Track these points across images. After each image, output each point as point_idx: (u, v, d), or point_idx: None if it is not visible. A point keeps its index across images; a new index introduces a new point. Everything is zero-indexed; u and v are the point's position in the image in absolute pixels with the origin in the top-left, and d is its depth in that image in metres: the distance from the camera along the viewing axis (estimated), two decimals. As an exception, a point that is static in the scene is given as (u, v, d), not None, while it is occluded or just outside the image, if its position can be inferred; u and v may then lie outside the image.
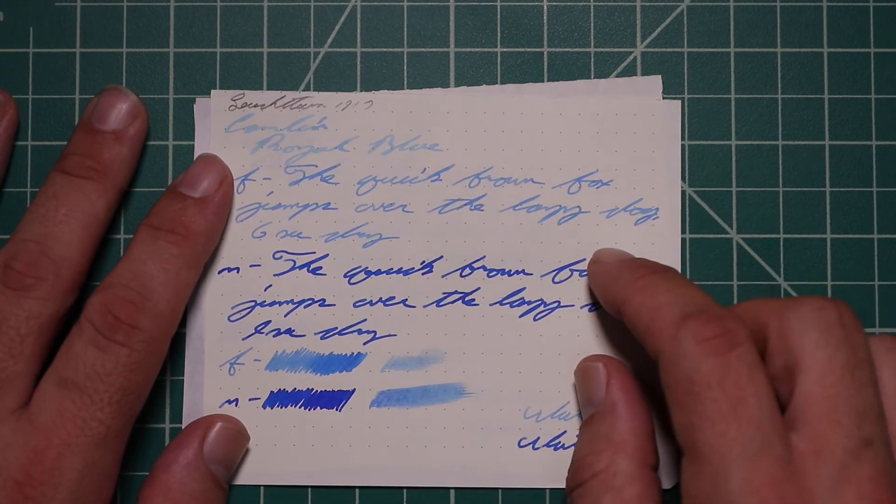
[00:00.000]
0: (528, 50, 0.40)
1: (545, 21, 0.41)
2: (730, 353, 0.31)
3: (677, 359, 0.31)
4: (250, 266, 0.39)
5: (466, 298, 0.39)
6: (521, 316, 0.39)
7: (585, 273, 0.39)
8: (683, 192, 0.40)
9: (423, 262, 0.39)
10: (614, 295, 0.35)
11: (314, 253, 0.39)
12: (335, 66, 0.40)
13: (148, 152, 0.40)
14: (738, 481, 0.29)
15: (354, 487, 0.39)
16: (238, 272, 0.39)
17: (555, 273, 0.39)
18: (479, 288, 0.39)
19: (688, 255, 0.40)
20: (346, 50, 0.40)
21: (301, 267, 0.39)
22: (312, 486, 0.39)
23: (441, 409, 0.39)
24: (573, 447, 0.39)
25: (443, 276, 0.39)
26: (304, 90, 0.40)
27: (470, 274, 0.39)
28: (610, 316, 0.39)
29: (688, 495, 0.31)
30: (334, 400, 0.39)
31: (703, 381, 0.30)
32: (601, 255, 0.38)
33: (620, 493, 0.34)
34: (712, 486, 0.30)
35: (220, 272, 0.39)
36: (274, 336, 0.39)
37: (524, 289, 0.39)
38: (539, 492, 0.39)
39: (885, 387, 0.32)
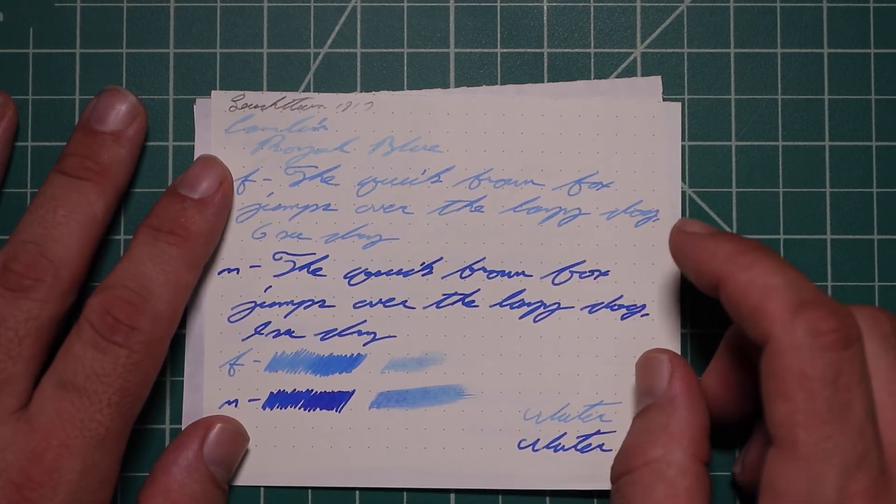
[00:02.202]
0: (529, 50, 0.40)
1: (545, 22, 0.41)
2: (844, 350, 0.30)
3: (790, 349, 0.30)
4: (250, 267, 0.39)
5: (466, 300, 0.39)
6: (520, 317, 0.39)
7: (585, 275, 0.39)
8: (683, 193, 0.40)
9: (423, 263, 0.39)
10: (711, 269, 0.33)
11: (314, 254, 0.39)
12: (335, 66, 0.40)
13: (148, 153, 0.40)
14: (834, 488, 0.29)
15: (354, 489, 0.39)
16: (238, 273, 0.39)
17: (555, 274, 0.39)
18: (478, 289, 0.39)
19: (688, 256, 0.40)
20: (347, 51, 0.40)
21: (301, 268, 0.39)
22: (312, 488, 0.39)
23: (441, 410, 0.39)
24: (573, 449, 0.39)
25: (443, 278, 0.39)
26: (304, 91, 0.40)
27: (470, 275, 0.39)
28: (610, 317, 0.39)
29: (773, 489, 0.30)
30: (334, 401, 0.39)
31: (816, 378, 0.30)
32: (687, 225, 0.36)
33: (673, 484, 0.33)
34: (806, 487, 0.29)
35: (219, 273, 0.39)
36: (274, 337, 0.39)
37: (524, 290, 0.39)
38: (539, 493, 0.39)
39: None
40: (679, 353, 0.39)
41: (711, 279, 0.34)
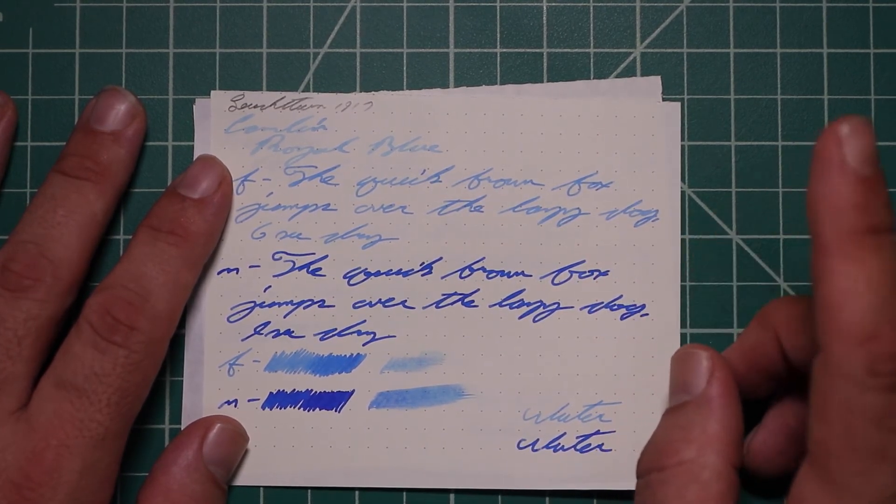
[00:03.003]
0: (528, 50, 0.40)
1: (545, 22, 0.41)
2: (895, 394, 0.28)
3: (843, 376, 0.29)
4: (250, 267, 0.39)
5: (466, 300, 0.39)
6: (520, 317, 0.39)
7: (585, 275, 0.39)
8: (683, 193, 0.40)
9: (423, 263, 0.39)
10: (817, 238, 0.29)
11: (314, 254, 0.39)
12: (335, 66, 0.40)
13: (147, 153, 0.40)
14: None
15: (354, 489, 0.39)
16: (237, 273, 0.39)
17: (554, 274, 0.39)
18: (478, 289, 0.39)
19: (687, 256, 0.40)
20: (346, 51, 0.40)
21: (300, 268, 0.39)
22: (312, 488, 0.39)
23: (440, 410, 0.39)
24: (572, 449, 0.39)
25: (442, 278, 0.39)
26: (303, 91, 0.40)
27: (469, 275, 0.39)
28: (609, 317, 0.39)
29: (801, 502, 0.30)
30: (333, 401, 0.39)
31: (860, 413, 0.28)
32: (846, 147, 0.29)
33: (707, 487, 0.33)
34: None
35: (219, 273, 0.39)
36: (273, 337, 0.39)
37: (524, 290, 0.39)
38: (538, 493, 0.39)
39: None
40: (679, 353, 0.39)
41: (814, 251, 0.29)
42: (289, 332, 0.39)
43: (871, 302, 0.28)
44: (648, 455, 0.35)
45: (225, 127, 0.40)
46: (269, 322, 0.39)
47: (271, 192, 0.40)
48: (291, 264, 0.39)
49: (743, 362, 0.36)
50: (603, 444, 0.39)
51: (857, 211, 0.29)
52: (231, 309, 0.39)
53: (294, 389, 0.39)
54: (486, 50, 0.40)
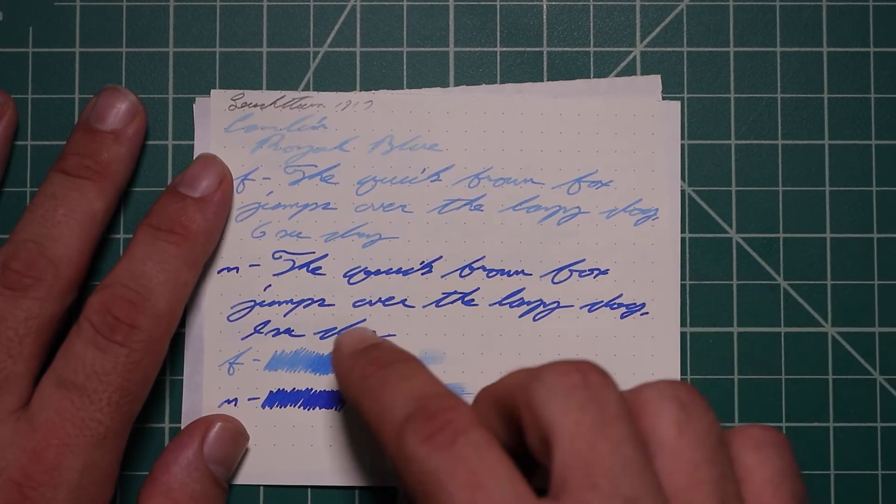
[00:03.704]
0: (528, 49, 0.40)
1: (545, 20, 0.41)
2: (453, 445, 0.28)
3: (405, 463, 0.29)
4: (250, 266, 0.39)
5: (466, 299, 0.39)
6: (520, 316, 0.39)
7: (585, 274, 0.39)
8: (683, 192, 0.40)
9: (423, 262, 0.39)
10: (349, 395, 0.33)
11: (314, 253, 0.39)
12: (335, 65, 0.40)
13: (147, 152, 0.40)
14: None
15: (354, 488, 0.39)
16: (237, 272, 0.39)
17: (554, 273, 0.39)
18: (478, 288, 0.39)
19: (687, 255, 0.40)
20: (346, 50, 0.40)
21: (300, 267, 0.39)
22: (312, 486, 0.39)
23: (440, 409, 0.39)
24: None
25: (442, 277, 0.39)
26: (303, 90, 0.40)
27: (469, 274, 0.39)
28: (609, 315, 0.39)
29: None
30: (334, 400, 0.39)
31: (434, 480, 0.28)
32: (340, 342, 0.36)
33: None
34: None
35: (219, 272, 0.39)
36: (273, 336, 0.39)
37: (523, 289, 0.39)
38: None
39: (661, 436, 0.29)
40: (678, 352, 0.39)
41: (354, 408, 0.33)
42: (289, 331, 0.39)
43: (393, 404, 0.31)
44: None
45: (225, 126, 0.40)
46: (269, 321, 0.39)
47: (271, 191, 0.40)
48: (291, 263, 0.39)
49: None
50: (603, 442, 0.39)
51: (359, 363, 0.34)
52: (231, 308, 0.39)
53: (294, 388, 0.39)
54: (485, 49, 0.40)
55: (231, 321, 0.39)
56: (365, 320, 0.39)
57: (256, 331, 0.39)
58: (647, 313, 0.39)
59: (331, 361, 0.36)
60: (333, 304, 0.39)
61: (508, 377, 0.31)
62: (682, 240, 0.40)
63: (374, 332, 0.38)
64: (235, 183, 0.39)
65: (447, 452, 0.28)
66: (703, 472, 0.28)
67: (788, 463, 0.30)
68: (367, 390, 0.32)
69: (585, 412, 0.28)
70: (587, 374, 0.29)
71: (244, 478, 0.39)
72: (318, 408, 0.39)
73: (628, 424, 0.28)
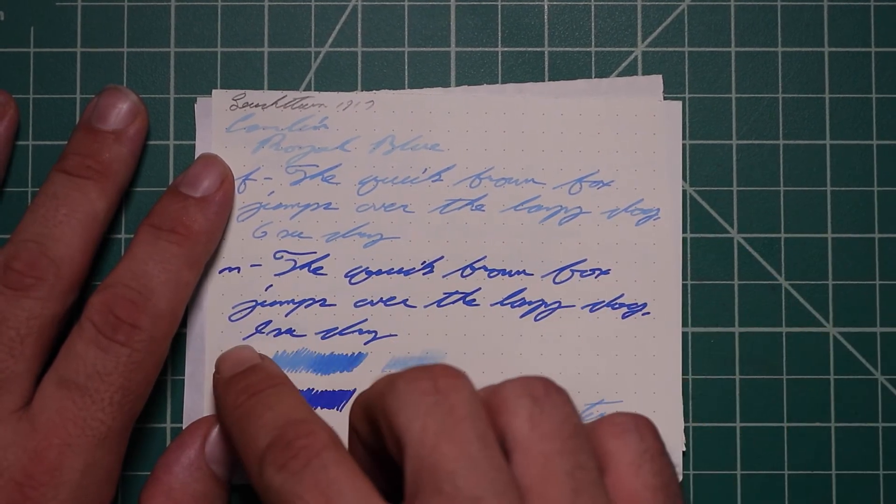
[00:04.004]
0: (529, 49, 0.40)
1: (546, 20, 0.41)
2: (306, 468, 0.29)
3: (266, 493, 0.30)
4: (251, 266, 0.39)
5: (467, 299, 0.39)
6: (521, 316, 0.39)
7: (586, 274, 0.39)
8: (684, 192, 0.40)
9: (424, 262, 0.39)
10: (222, 423, 0.34)
11: (315, 253, 0.39)
12: (336, 65, 0.40)
13: (149, 152, 0.40)
14: None
15: (355, 487, 0.39)
16: (239, 272, 0.39)
17: (556, 273, 0.39)
18: (479, 288, 0.39)
19: (689, 255, 0.40)
20: (347, 49, 0.40)
21: (302, 267, 0.39)
22: (313, 486, 0.39)
23: (442, 409, 0.39)
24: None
25: (444, 277, 0.39)
26: (305, 90, 0.40)
27: (471, 274, 0.39)
28: (611, 315, 0.39)
29: None
30: (335, 400, 0.39)
31: (297, 500, 0.29)
32: (219, 365, 0.37)
33: None
34: None
35: (220, 272, 0.39)
36: (275, 336, 0.39)
37: (525, 289, 0.39)
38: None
39: (516, 433, 0.29)
40: (679, 352, 0.39)
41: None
42: (290, 331, 0.39)
43: (255, 434, 0.32)
44: None
45: (226, 126, 0.40)
46: (270, 321, 0.39)
47: (272, 191, 0.40)
48: (293, 263, 0.39)
49: None
50: (604, 442, 0.39)
51: (232, 391, 0.35)
52: (232, 308, 0.39)
53: (295, 388, 0.39)
54: (487, 49, 0.40)
55: (232, 321, 0.39)
56: (366, 320, 0.39)
57: (258, 331, 0.39)
58: (648, 313, 0.39)
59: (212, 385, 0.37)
60: (335, 305, 0.39)
61: (374, 384, 0.31)
62: (684, 240, 0.40)
63: (254, 350, 0.38)
64: (237, 183, 0.39)
65: (299, 476, 0.29)
66: (555, 463, 0.28)
67: (650, 444, 0.31)
68: (235, 420, 0.33)
69: (432, 417, 0.28)
70: (437, 379, 0.29)
71: (245, 478, 0.39)
72: (319, 408, 0.39)
73: (477, 424, 0.28)
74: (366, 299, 0.39)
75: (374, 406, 0.30)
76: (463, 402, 0.29)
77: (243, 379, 0.35)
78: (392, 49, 0.40)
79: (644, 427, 0.31)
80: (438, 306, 0.39)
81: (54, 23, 0.40)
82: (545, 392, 0.30)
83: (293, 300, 0.39)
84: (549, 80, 0.40)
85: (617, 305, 0.39)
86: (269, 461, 0.30)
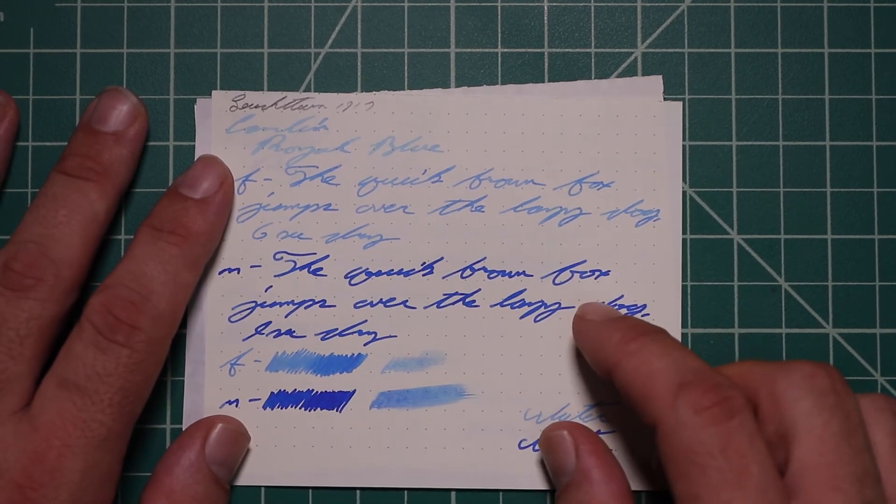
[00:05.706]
0: (529, 50, 0.40)
1: (546, 21, 0.41)
2: (729, 421, 0.30)
3: (676, 429, 0.31)
4: (251, 267, 0.39)
5: (467, 300, 0.39)
6: (521, 317, 0.39)
7: (586, 275, 0.39)
8: (684, 193, 0.40)
9: (424, 263, 0.39)
10: (603, 357, 0.35)
11: (315, 254, 0.39)
12: (336, 66, 0.40)
13: (149, 153, 0.40)
14: None
15: (355, 489, 0.39)
16: (238, 273, 0.39)
17: (555, 274, 0.39)
18: (479, 289, 0.39)
19: (688, 256, 0.40)
20: (347, 51, 0.40)
21: (302, 268, 0.39)
22: (313, 487, 0.39)
23: (441, 410, 0.39)
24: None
25: (443, 278, 0.39)
26: (304, 91, 0.40)
27: (470, 275, 0.39)
28: (612, 317, 0.39)
29: None
30: (335, 401, 0.39)
31: (705, 451, 0.30)
32: (586, 311, 0.37)
33: None
34: None
35: (220, 273, 0.39)
36: (274, 337, 0.39)
37: (525, 290, 0.39)
38: (539, 493, 0.39)
39: (878, 448, 0.31)
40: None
41: (605, 367, 0.35)
42: (290, 332, 0.39)
43: (668, 366, 0.32)
44: None
45: (226, 127, 0.40)
46: (270, 322, 0.39)
47: (272, 192, 0.40)
48: (293, 264, 0.39)
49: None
50: (604, 443, 0.39)
51: (620, 329, 0.34)
52: (232, 309, 0.39)
53: (295, 389, 0.39)
54: (487, 50, 0.40)
55: (232, 322, 0.39)
56: (366, 321, 0.39)
57: (257, 332, 0.39)
58: (648, 314, 0.39)
59: (573, 329, 0.38)
60: (334, 306, 0.39)
61: (744, 366, 0.33)
62: (684, 241, 0.40)
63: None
64: (236, 184, 0.39)
65: (722, 427, 0.30)
66: None
67: None
68: (631, 353, 0.33)
69: (834, 416, 0.30)
70: (835, 380, 0.31)
71: (245, 479, 0.39)
72: (319, 409, 0.39)
73: (866, 435, 0.31)
74: (365, 300, 0.39)
75: (751, 386, 0.32)
76: (855, 409, 0.31)
77: (627, 320, 0.36)
78: (392, 50, 0.40)
79: None
80: (438, 307, 0.39)
81: (54, 23, 0.40)
82: None
83: (293, 301, 0.39)
84: (549, 81, 0.40)
85: (617, 307, 0.39)
86: (687, 398, 0.31)
